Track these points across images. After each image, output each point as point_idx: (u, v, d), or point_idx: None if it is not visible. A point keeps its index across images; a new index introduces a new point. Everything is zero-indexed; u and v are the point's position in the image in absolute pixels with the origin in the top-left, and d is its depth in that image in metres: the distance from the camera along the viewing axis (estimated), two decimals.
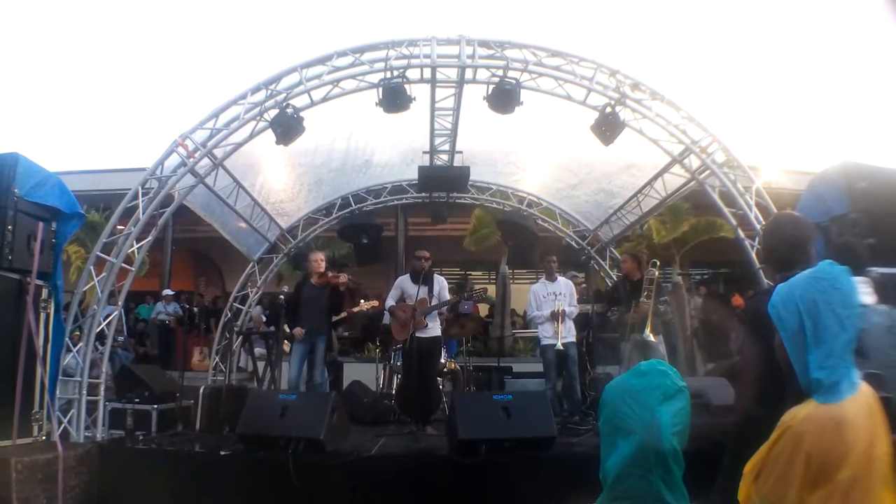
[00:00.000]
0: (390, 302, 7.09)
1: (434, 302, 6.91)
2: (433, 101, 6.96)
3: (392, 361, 8.41)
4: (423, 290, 6.84)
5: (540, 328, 7.46)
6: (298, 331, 7.05)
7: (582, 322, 7.96)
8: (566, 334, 7.25)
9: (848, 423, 2.15)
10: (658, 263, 7.28)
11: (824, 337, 2.20)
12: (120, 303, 6.67)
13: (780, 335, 2.32)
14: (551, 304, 7.33)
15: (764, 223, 2.88)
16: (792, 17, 33.89)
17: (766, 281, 6.40)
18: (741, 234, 6.76)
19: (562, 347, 7.07)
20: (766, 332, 2.45)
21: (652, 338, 6.77)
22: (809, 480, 2.14)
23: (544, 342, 7.32)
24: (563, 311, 7.24)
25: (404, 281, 7.13)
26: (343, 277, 7.25)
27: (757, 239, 6.52)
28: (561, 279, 7.62)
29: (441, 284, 7.09)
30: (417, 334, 6.66)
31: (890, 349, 3.47)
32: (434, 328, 6.94)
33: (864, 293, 3.70)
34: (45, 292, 5.73)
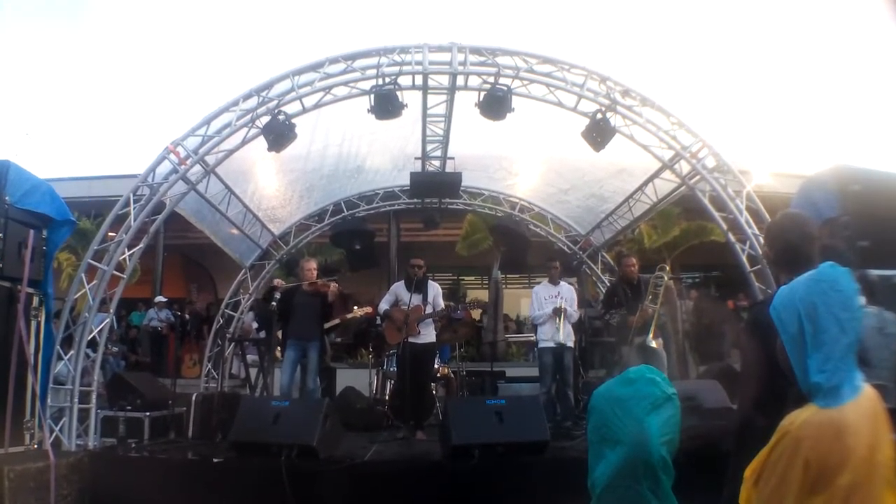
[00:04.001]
0: (384, 306, 7.09)
1: (428, 309, 6.93)
2: (425, 108, 6.98)
3: (385, 367, 8.40)
4: (418, 298, 6.87)
5: (539, 330, 7.44)
6: None
7: (575, 326, 7.98)
8: (565, 338, 7.22)
9: (848, 427, 2.10)
10: (668, 268, 7.30)
11: (824, 340, 2.16)
12: (112, 310, 6.64)
13: (781, 338, 2.27)
14: (553, 305, 7.31)
15: (770, 222, 2.85)
16: (781, 22, 34.17)
17: (757, 285, 6.44)
18: (732, 238, 6.80)
19: (554, 344, 7.06)
20: (765, 341, 2.41)
21: (654, 343, 6.71)
22: (808, 486, 2.09)
23: (542, 345, 7.31)
24: (566, 308, 7.22)
25: (399, 287, 7.15)
26: (333, 287, 7.25)
27: (748, 243, 6.55)
28: (564, 284, 7.63)
29: (435, 290, 7.10)
30: (411, 340, 6.67)
31: (879, 350, 3.48)
32: (428, 335, 6.95)
33: None
34: (35, 300, 5.70)
